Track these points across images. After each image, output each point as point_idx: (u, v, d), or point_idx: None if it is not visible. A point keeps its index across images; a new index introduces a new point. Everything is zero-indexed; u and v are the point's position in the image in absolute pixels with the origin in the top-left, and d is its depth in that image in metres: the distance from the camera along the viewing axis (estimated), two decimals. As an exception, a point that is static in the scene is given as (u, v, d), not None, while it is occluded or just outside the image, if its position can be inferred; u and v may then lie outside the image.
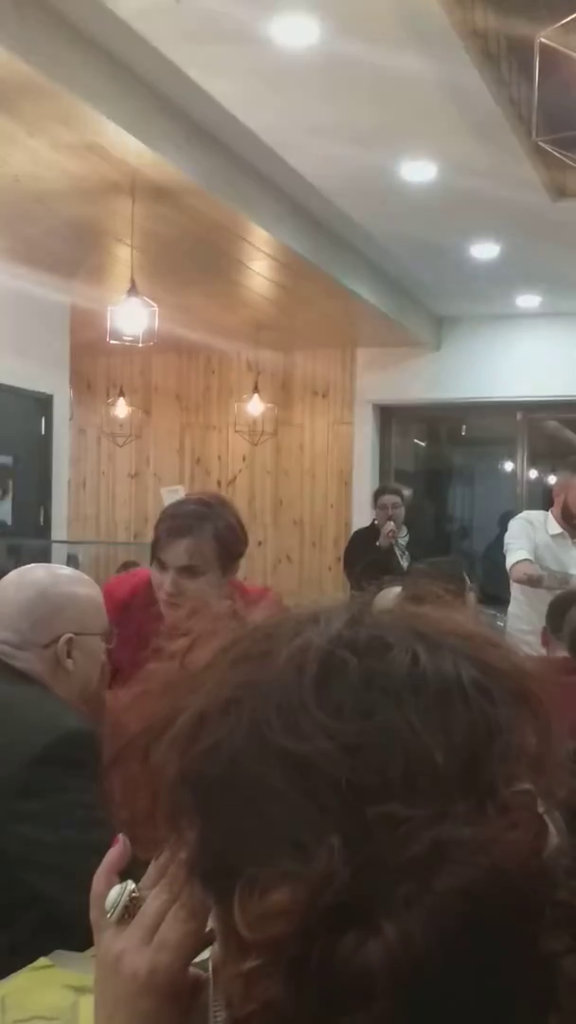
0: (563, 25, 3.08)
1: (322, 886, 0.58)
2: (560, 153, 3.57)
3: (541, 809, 0.62)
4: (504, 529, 5.39)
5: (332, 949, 0.58)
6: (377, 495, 6.98)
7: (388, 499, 6.81)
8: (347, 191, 5.59)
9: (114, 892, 0.82)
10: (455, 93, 4.35)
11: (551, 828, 0.62)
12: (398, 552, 6.64)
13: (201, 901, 0.70)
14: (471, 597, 4.92)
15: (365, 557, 6.52)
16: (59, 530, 7.14)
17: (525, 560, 5.02)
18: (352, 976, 0.57)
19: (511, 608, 5.35)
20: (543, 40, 3.14)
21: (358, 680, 0.63)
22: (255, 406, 8.19)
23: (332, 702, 0.62)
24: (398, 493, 6.92)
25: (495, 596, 5.48)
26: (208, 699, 0.65)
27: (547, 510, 5.27)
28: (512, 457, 8.74)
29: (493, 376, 7.93)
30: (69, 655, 2.00)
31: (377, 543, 6.64)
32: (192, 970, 0.81)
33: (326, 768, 0.60)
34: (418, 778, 0.59)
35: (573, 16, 3.05)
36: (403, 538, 6.75)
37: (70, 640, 2.01)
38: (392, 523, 6.71)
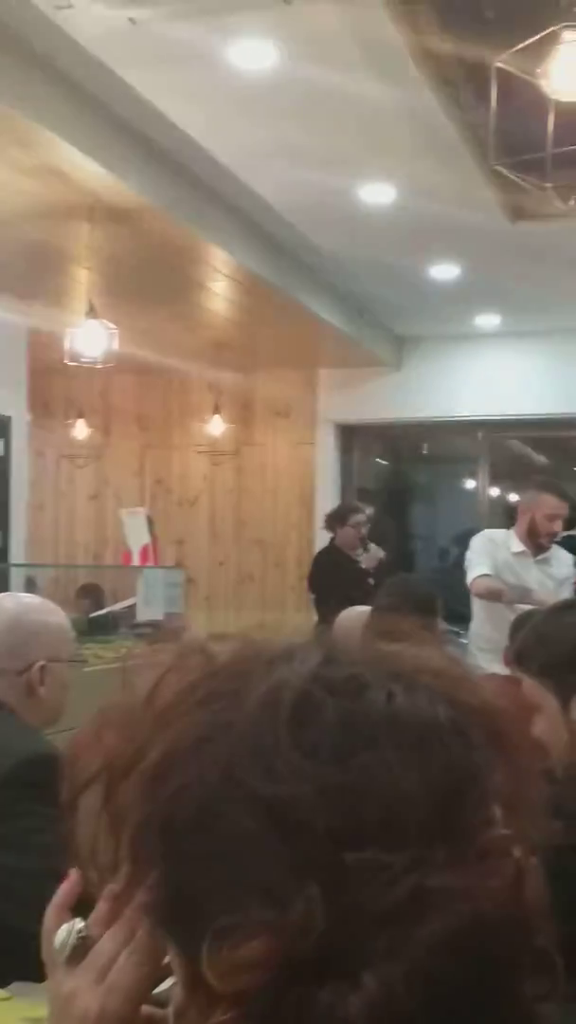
0: (519, 50, 3.10)
1: (298, 936, 0.55)
2: (517, 176, 3.59)
3: (517, 854, 0.61)
4: (464, 548, 5.41)
5: (309, 1002, 0.55)
6: (345, 513, 6.90)
7: (359, 518, 6.75)
8: (307, 213, 5.60)
9: (62, 931, 0.78)
10: (413, 117, 4.37)
11: (528, 874, 0.61)
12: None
13: (158, 945, 0.67)
14: (440, 624, 4.95)
15: (335, 581, 6.46)
16: (17, 553, 7.07)
17: (486, 575, 5.03)
18: None
19: (472, 626, 5.36)
20: (499, 65, 3.16)
21: (335, 721, 0.60)
22: (216, 426, 8.17)
23: (308, 743, 0.59)
24: (364, 512, 6.88)
25: (458, 614, 5.48)
26: (176, 738, 0.62)
27: (509, 528, 5.30)
28: (474, 475, 8.78)
29: (454, 395, 7.97)
30: (42, 682, 2.03)
31: (363, 565, 6.57)
32: (146, 1008, 0.77)
33: (302, 812, 0.57)
34: (397, 823, 0.57)
35: (528, 41, 3.07)
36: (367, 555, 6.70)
37: (43, 667, 2.04)
38: (379, 549, 6.66)
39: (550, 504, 5.12)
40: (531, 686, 1.78)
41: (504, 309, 7.37)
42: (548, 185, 3.46)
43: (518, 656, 1.85)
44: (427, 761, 0.59)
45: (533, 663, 1.79)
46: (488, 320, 7.61)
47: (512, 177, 3.59)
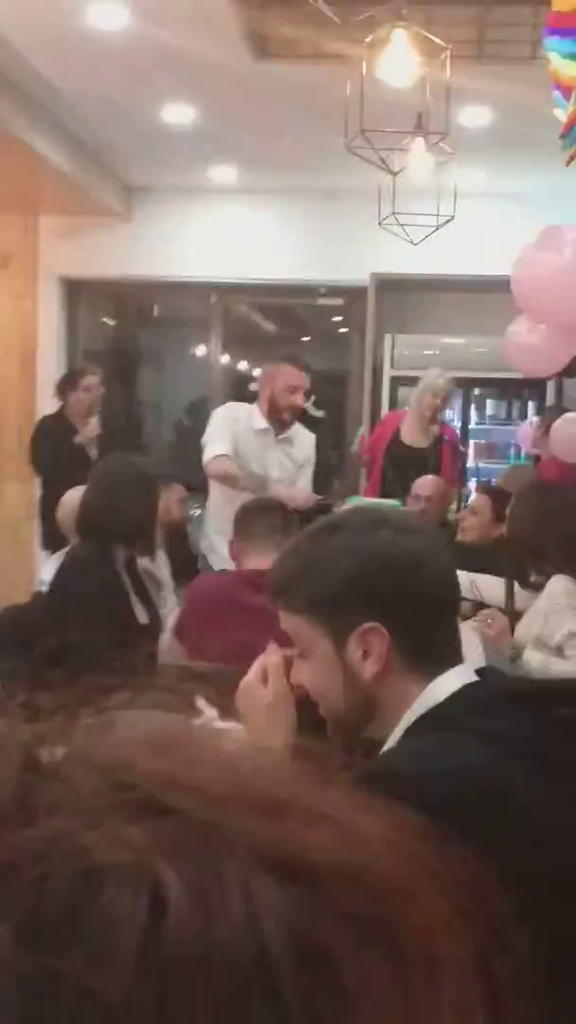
0: None
1: None
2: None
3: None
4: (197, 418, 5.10)
5: None
6: (75, 377, 6.36)
7: (91, 380, 6.24)
8: (32, 37, 4.95)
9: None
10: None
11: None
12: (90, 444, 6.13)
13: None
14: (181, 491, 4.60)
15: (61, 453, 5.96)
16: None
17: (223, 456, 4.75)
18: None
19: (208, 504, 5.10)
20: None
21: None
22: None
23: None
24: (97, 374, 6.36)
25: (196, 489, 5.21)
26: None
27: (252, 403, 5.03)
28: (205, 341, 8.44)
29: (186, 254, 7.53)
30: None
31: (75, 440, 6.06)
32: None
33: None
34: None
35: None
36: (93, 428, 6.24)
37: None
38: (97, 425, 6.15)
39: (290, 375, 4.87)
40: (297, 624, 1.46)
41: (241, 162, 6.96)
42: None
43: (279, 589, 1.49)
44: None
45: (298, 598, 1.44)
46: (224, 173, 7.17)
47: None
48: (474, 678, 1.40)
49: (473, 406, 7.94)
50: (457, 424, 7.44)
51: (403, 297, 7.86)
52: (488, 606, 3.30)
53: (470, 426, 7.84)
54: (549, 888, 1.19)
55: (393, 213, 4.31)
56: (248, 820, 0.34)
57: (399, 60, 3.65)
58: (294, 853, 0.34)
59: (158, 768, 0.36)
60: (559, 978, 1.17)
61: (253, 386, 5.94)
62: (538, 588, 3.05)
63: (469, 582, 3.31)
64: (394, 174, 4.01)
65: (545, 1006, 0.39)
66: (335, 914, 0.33)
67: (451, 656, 1.41)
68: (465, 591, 3.77)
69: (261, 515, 3.17)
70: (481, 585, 3.40)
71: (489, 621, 3.05)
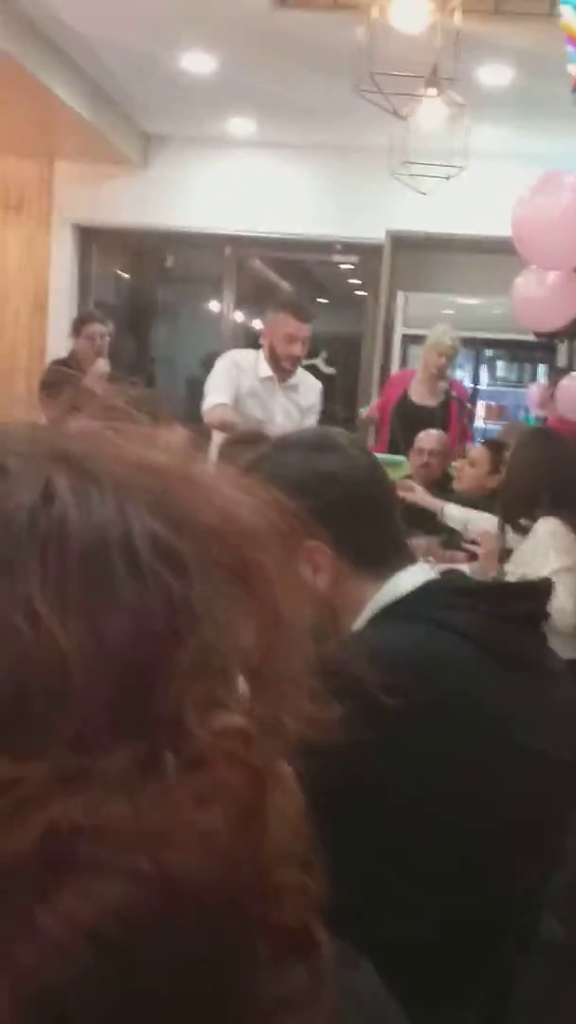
0: None
1: None
2: None
3: (258, 761, 0.38)
4: (209, 371, 5.10)
5: None
6: (81, 323, 6.39)
7: (97, 328, 6.27)
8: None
9: None
10: None
11: (274, 796, 0.39)
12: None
13: None
14: (179, 431, 4.61)
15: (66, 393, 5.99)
16: None
17: (222, 404, 4.74)
18: None
19: (209, 455, 5.11)
20: None
21: None
22: None
23: None
24: (104, 323, 6.39)
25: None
26: None
27: (259, 350, 5.01)
28: (218, 296, 8.44)
29: (202, 205, 7.53)
30: None
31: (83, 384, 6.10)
32: None
33: None
34: (36, 705, 0.35)
35: None
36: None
37: None
38: (106, 364, 6.19)
39: (289, 325, 4.80)
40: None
41: (260, 114, 6.94)
42: None
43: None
44: (104, 600, 0.38)
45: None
46: (242, 125, 7.16)
47: None
48: (434, 577, 1.44)
49: (484, 368, 7.94)
50: (469, 386, 7.45)
51: (418, 256, 7.83)
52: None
53: (480, 387, 7.84)
54: (493, 765, 1.27)
55: (405, 162, 4.30)
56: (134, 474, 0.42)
57: (412, 5, 3.65)
58: (168, 504, 0.41)
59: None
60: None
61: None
62: (526, 532, 3.09)
63: (464, 519, 3.34)
64: (403, 118, 4.01)
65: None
66: (190, 540, 0.40)
67: (399, 557, 1.44)
68: (459, 526, 3.82)
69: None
70: (473, 521, 3.44)
71: (479, 539, 3.09)
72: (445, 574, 1.80)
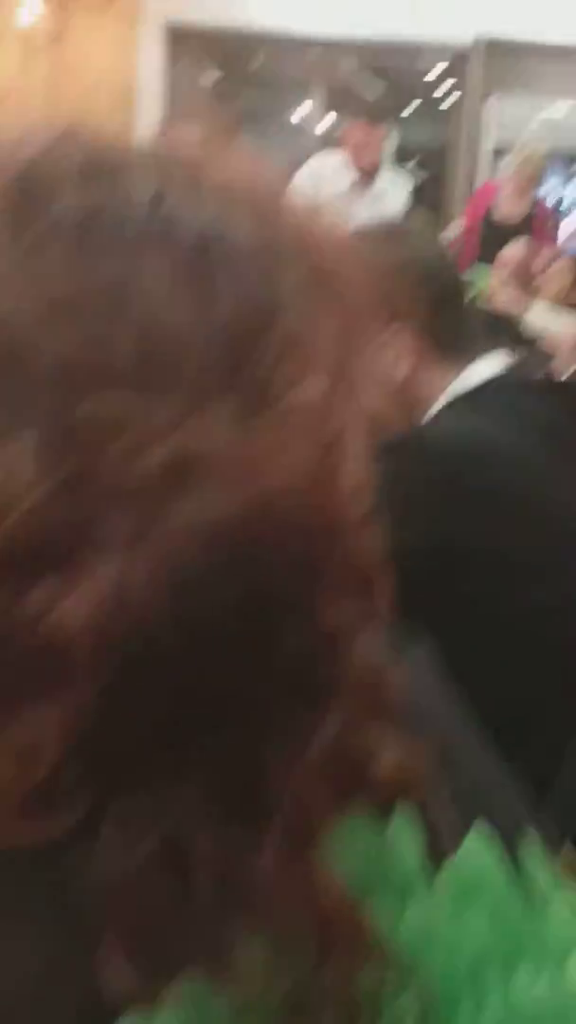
0: None
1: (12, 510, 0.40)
2: None
3: (335, 425, 0.45)
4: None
5: (12, 608, 0.41)
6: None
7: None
8: None
9: None
10: None
11: (347, 457, 0.46)
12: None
13: None
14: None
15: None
16: None
17: None
18: (41, 646, 0.40)
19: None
20: None
21: (73, 217, 0.45)
22: (31, 10, 7.29)
23: (34, 246, 0.44)
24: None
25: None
26: None
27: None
28: (305, 103, 8.23)
29: (294, 5, 7.28)
30: None
31: None
32: None
33: (24, 335, 0.42)
34: (158, 359, 0.42)
35: None
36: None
37: None
38: None
39: (364, 130, 4.72)
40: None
41: None
42: None
43: None
44: (209, 282, 0.44)
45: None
46: None
47: None
48: (510, 365, 1.46)
49: (573, 184, 7.71)
50: (556, 201, 7.26)
51: (511, 62, 7.56)
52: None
53: (563, 207, 7.62)
54: (540, 558, 1.29)
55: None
56: None
57: None
58: (269, 215, 0.49)
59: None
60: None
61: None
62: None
63: (548, 321, 3.40)
64: None
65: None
66: (287, 257, 0.48)
67: (475, 345, 1.47)
68: (539, 332, 3.89)
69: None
70: (556, 324, 3.49)
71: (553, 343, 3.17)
72: (522, 362, 1.76)
